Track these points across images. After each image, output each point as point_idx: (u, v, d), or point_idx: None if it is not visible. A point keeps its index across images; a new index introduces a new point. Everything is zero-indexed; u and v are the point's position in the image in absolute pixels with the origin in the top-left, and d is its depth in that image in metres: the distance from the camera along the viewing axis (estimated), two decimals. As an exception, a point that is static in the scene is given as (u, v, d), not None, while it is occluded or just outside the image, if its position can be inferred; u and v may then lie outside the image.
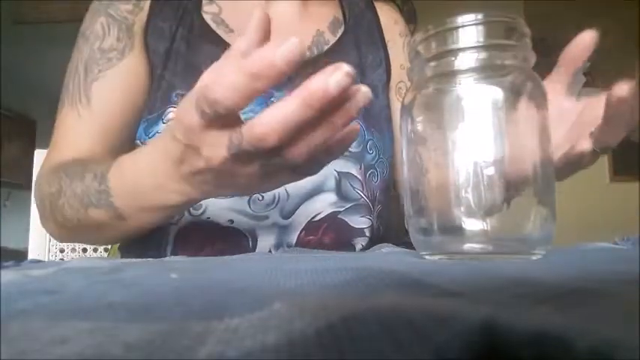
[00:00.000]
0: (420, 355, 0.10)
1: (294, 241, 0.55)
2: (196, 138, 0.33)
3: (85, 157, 0.53)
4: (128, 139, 0.58)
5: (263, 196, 0.54)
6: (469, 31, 0.32)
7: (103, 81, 0.56)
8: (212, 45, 0.58)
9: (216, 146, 0.32)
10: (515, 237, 0.32)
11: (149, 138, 0.55)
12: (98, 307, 0.16)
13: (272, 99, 0.56)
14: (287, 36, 0.27)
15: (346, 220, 0.57)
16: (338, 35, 0.65)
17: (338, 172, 0.57)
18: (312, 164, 0.35)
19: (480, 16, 0.31)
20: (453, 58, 0.32)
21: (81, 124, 0.55)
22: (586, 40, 0.45)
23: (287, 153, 0.31)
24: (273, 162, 0.32)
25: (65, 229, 0.51)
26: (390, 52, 0.68)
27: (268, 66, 0.27)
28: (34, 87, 2.87)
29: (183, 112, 0.33)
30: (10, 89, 2.94)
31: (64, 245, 1.31)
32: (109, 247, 1.22)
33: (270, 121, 0.29)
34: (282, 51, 0.27)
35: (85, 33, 0.59)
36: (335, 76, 0.27)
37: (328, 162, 0.36)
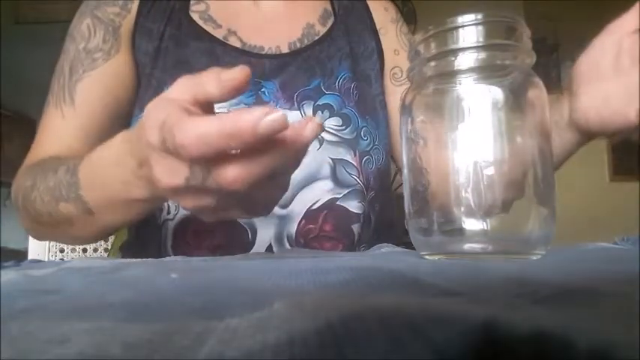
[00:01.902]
0: (420, 355, 0.10)
1: (294, 230, 0.55)
2: (153, 157, 0.31)
3: (66, 154, 0.54)
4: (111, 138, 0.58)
5: None
6: (469, 31, 0.32)
7: (87, 81, 0.57)
8: (201, 41, 0.59)
9: (173, 173, 0.31)
10: (515, 237, 0.32)
11: None
12: (98, 307, 0.16)
13: (262, 90, 0.57)
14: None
15: (345, 205, 0.57)
16: (328, 26, 0.65)
17: (332, 159, 0.57)
18: (263, 206, 0.35)
19: (479, 16, 0.31)
20: (453, 58, 0.32)
21: (64, 123, 0.56)
22: None
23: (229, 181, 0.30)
24: (225, 200, 0.32)
25: (38, 225, 0.51)
26: (382, 39, 0.68)
27: (249, 132, 0.26)
28: (34, 87, 2.86)
29: (148, 125, 0.31)
30: (10, 89, 2.93)
31: (64, 245, 1.31)
32: (109, 247, 1.22)
33: (239, 168, 0.29)
34: (267, 121, 0.26)
35: (72, 33, 0.60)
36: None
37: (279, 197, 0.36)
